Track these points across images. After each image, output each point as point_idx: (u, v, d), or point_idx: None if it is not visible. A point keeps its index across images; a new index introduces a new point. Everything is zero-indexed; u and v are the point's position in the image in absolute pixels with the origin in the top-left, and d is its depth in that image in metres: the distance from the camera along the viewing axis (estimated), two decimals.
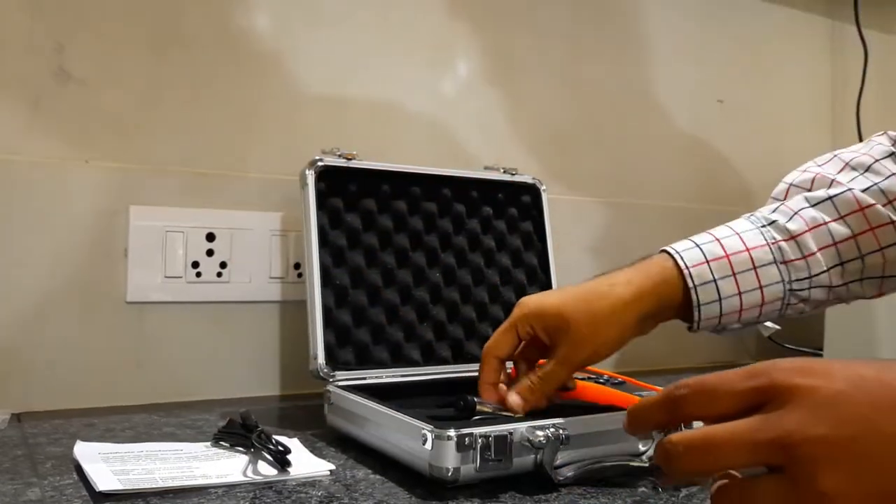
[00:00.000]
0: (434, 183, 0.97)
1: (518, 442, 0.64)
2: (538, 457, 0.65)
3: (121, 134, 0.92)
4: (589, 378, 0.83)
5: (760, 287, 0.69)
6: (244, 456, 0.70)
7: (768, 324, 1.36)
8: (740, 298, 0.69)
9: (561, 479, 0.65)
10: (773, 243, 0.70)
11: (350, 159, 0.91)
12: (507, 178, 1.03)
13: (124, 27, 0.92)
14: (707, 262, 0.69)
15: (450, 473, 0.62)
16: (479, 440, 0.62)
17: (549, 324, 0.69)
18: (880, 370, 0.39)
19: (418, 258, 0.95)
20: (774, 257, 0.70)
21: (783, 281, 0.70)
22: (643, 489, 0.66)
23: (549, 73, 1.22)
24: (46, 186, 0.88)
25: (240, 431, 0.72)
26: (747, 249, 0.70)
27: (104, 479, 0.61)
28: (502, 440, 0.63)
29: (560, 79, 1.23)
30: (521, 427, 0.65)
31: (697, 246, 0.70)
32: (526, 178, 1.04)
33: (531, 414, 0.71)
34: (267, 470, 0.66)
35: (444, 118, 1.13)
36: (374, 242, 0.92)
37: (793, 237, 0.70)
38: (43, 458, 0.69)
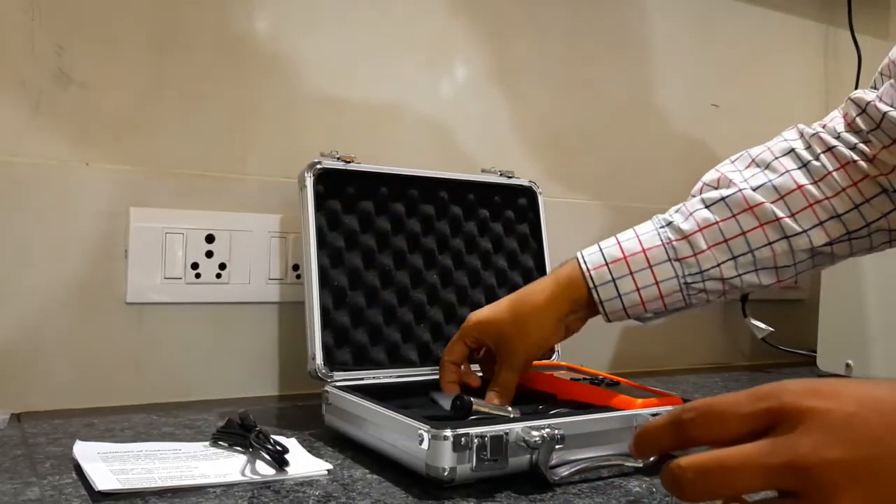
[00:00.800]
0: (431, 185, 0.98)
1: (514, 442, 0.65)
2: (534, 457, 0.65)
3: (121, 136, 0.93)
4: (584, 379, 0.84)
5: (657, 282, 0.78)
6: (242, 456, 0.70)
7: (762, 325, 1.38)
8: (639, 294, 0.78)
9: (556, 478, 0.66)
10: (667, 243, 0.78)
11: (348, 162, 0.92)
12: (503, 180, 1.04)
13: (124, 30, 0.92)
14: (606, 264, 0.78)
15: (446, 473, 0.62)
16: (476, 440, 0.63)
17: (487, 333, 0.82)
18: (893, 391, 0.38)
19: (416, 260, 0.96)
20: (668, 255, 0.78)
21: (677, 276, 0.78)
22: (637, 489, 0.67)
23: (547, 75, 1.23)
24: (47, 188, 0.88)
25: (238, 431, 0.72)
26: (643, 250, 0.78)
27: (103, 478, 0.62)
28: (498, 440, 0.64)
29: (557, 82, 1.24)
30: (516, 427, 0.65)
31: (601, 250, 0.80)
32: (522, 181, 1.05)
33: (527, 415, 0.72)
34: (265, 469, 0.67)
35: (442, 121, 1.13)
36: (371, 244, 0.93)
37: (685, 237, 0.78)
38: (42, 457, 0.70)
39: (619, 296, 0.78)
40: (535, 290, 0.82)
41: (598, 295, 0.78)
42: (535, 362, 0.95)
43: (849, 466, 0.37)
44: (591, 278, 0.78)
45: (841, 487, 0.36)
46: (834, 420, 0.38)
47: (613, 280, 0.78)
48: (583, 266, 0.79)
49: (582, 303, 0.80)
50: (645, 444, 0.44)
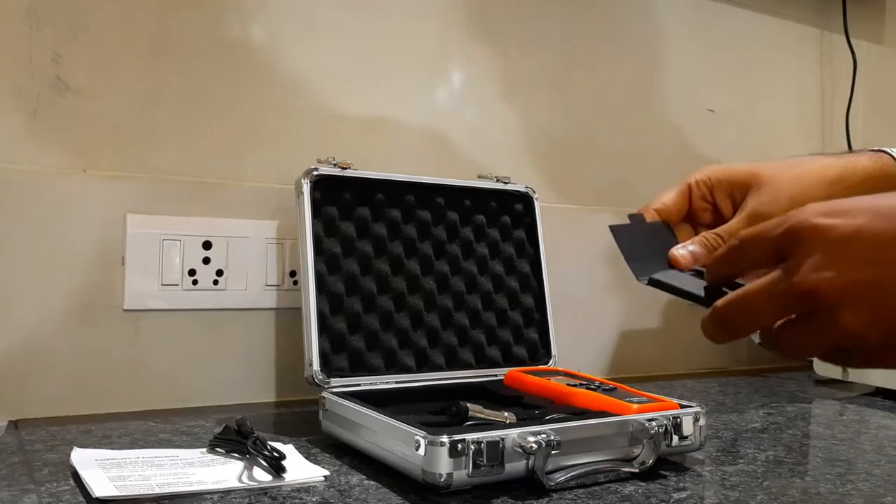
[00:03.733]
0: (428, 191, 0.98)
1: (510, 448, 0.65)
2: (530, 462, 0.66)
3: (118, 143, 0.93)
4: (581, 384, 0.84)
5: None
6: (239, 462, 0.70)
7: None
8: None
9: (552, 484, 0.66)
10: None
11: (345, 168, 0.92)
12: (500, 186, 1.04)
13: (122, 38, 0.93)
14: None
15: (442, 479, 0.63)
16: (472, 446, 0.63)
17: (737, 181, 0.61)
18: None
19: (412, 265, 0.96)
20: None
21: None
22: (634, 494, 0.67)
23: (543, 81, 1.23)
24: (44, 195, 0.88)
25: (235, 438, 0.72)
26: None
27: (101, 485, 0.62)
28: (494, 446, 0.64)
29: (553, 88, 1.25)
30: (512, 433, 0.66)
31: None
32: (519, 187, 1.06)
33: (523, 420, 0.72)
34: (262, 476, 0.67)
35: (438, 127, 1.14)
36: (368, 250, 0.93)
37: None
38: (40, 464, 0.70)
39: None
40: (816, 159, 0.64)
41: None
42: (531, 367, 0.96)
43: (848, 285, 0.37)
44: None
45: (844, 305, 0.37)
46: (836, 236, 0.38)
47: None
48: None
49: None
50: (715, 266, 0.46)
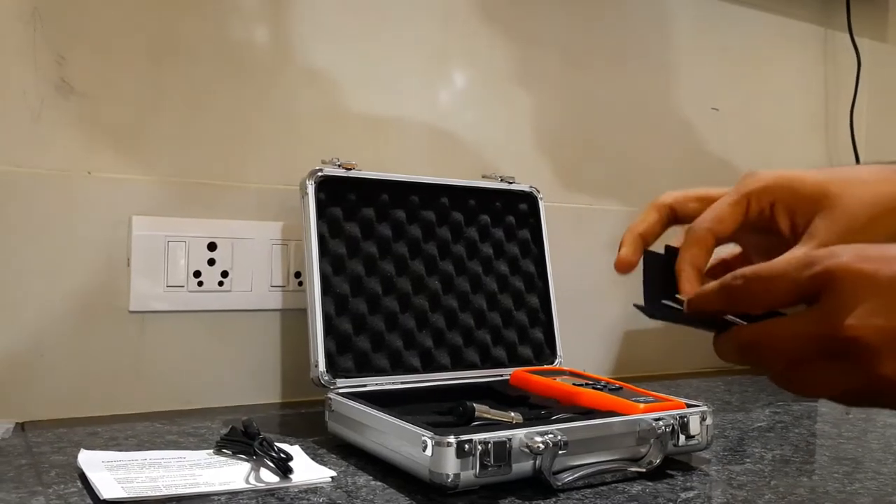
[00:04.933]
0: (432, 192, 0.98)
1: (517, 448, 0.65)
2: (537, 463, 0.65)
3: (123, 145, 0.93)
4: (587, 384, 0.84)
5: None
6: (246, 463, 0.70)
7: None
8: None
9: (559, 484, 0.66)
10: None
11: (349, 169, 0.92)
12: (504, 186, 1.04)
13: (126, 40, 0.93)
14: None
15: (449, 479, 0.63)
16: (479, 446, 0.63)
17: (804, 197, 0.51)
18: None
19: (417, 266, 0.96)
20: None
21: None
22: (641, 494, 0.67)
23: (547, 81, 1.23)
24: (49, 198, 0.89)
25: (242, 439, 0.72)
26: None
27: (108, 487, 0.62)
28: (501, 446, 0.64)
29: (557, 87, 1.24)
30: (519, 433, 0.65)
31: None
32: (523, 187, 1.05)
33: (530, 420, 0.72)
34: (269, 477, 0.67)
35: (442, 128, 1.14)
36: (373, 251, 0.93)
37: None
38: (47, 466, 0.70)
39: None
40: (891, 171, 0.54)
41: None
42: (536, 367, 0.96)
43: (891, 332, 0.37)
44: None
45: (885, 352, 0.37)
46: (878, 284, 0.37)
47: None
48: None
49: None
50: (697, 305, 0.44)
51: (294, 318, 1.00)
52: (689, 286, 0.50)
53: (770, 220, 0.53)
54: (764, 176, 0.53)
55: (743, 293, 0.42)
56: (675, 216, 0.56)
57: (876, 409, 1.06)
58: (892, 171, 0.52)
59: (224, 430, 0.76)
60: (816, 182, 0.51)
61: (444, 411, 0.76)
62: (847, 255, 0.39)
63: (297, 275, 1.01)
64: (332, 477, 0.68)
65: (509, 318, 1.01)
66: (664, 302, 0.50)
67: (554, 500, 0.65)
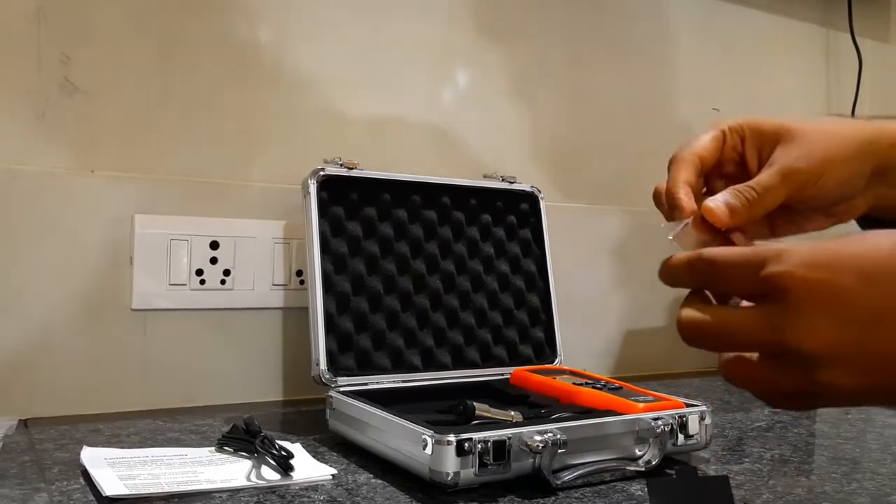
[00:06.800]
0: (434, 191, 0.99)
1: (517, 447, 0.65)
2: (536, 461, 0.66)
3: (126, 144, 0.93)
4: (586, 383, 0.84)
5: None
6: (248, 461, 0.71)
7: None
8: None
9: (559, 483, 0.66)
10: None
11: (351, 168, 0.93)
12: (505, 186, 1.05)
13: (130, 39, 0.93)
14: None
15: (449, 478, 0.63)
16: (479, 445, 0.64)
17: (768, 133, 0.55)
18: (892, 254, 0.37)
19: (418, 265, 0.96)
20: None
21: None
22: (640, 493, 0.67)
23: (548, 81, 1.24)
24: (53, 196, 0.89)
25: (243, 436, 0.73)
26: None
27: (111, 484, 0.63)
28: (501, 445, 0.64)
29: (558, 87, 1.25)
30: (519, 432, 0.66)
31: None
32: (524, 187, 1.06)
33: (529, 419, 0.72)
34: (270, 475, 0.67)
35: (444, 127, 1.14)
36: (374, 250, 0.94)
37: None
38: (50, 463, 0.71)
39: None
40: (851, 120, 0.58)
41: None
42: (537, 366, 0.96)
43: (833, 345, 0.38)
44: None
45: (824, 363, 0.38)
46: (827, 294, 0.38)
47: None
48: None
49: None
50: (667, 276, 0.46)
51: (296, 317, 1.00)
52: (688, 200, 0.53)
53: (742, 155, 0.56)
54: (734, 117, 0.57)
55: (703, 276, 0.44)
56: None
57: (876, 409, 1.06)
58: (853, 123, 0.55)
59: (226, 428, 0.77)
60: (779, 122, 0.55)
61: (445, 410, 0.77)
62: (795, 261, 0.39)
63: (299, 273, 1.01)
64: (332, 475, 0.69)
65: (510, 317, 1.01)
66: None
67: (553, 498, 0.65)
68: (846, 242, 0.39)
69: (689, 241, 0.50)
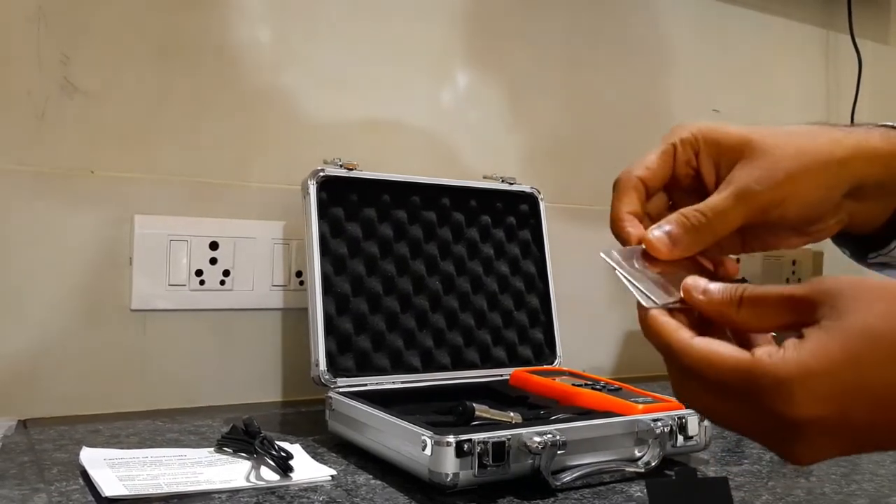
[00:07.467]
0: (433, 192, 0.99)
1: (516, 448, 0.65)
2: (536, 462, 0.66)
3: (126, 144, 0.93)
4: (586, 385, 0.84)
5: None
6: (247, 461, 0.71)
7: None
8: None
9: (558, 484, 0.66)
10: None
11: (351, 169, 0.93)
12: (505, 187, 1.05)
13: (129, 39, 0.93)
14: None
15: (449, 479, 0.63)
16: (478, 446, 0.64)
17: (727, 146, 0.50)
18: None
19: (418, 266, 0.96)
20: None
21: None
22: (639, 494, 0.67)
23: (548, 82, 1.24)
24: (52, 196, 0.89)
25: (243, 437, 0.73)
26: None
27: (110, 484, 0.63)
28: (500, 446, 0.64)
29: (558, 88, 1.25)
30: (518, 433, 0.66)
31: None
32: (524, 188, 1.06)
33: (529, 420, 0.72)
34: (269, 475, 0.67)
35: (444, 129, 1.14)
36: (374, 251, 0.94)
37: None
38: (49, 463, 0.71)
39: None
40: (826, 131, 0.51)
41: None
42: (536, 367, 0.96)
43: (829, 450, 0.38)
44: None
45: (804, 439, 0.37)
46: (837, 428, 0.37)
47: None
48: None
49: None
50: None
51: (295, 318, 1.00)
52: (633, 229, 0.52)
53: (697, 171, 0.52)
54: (689, 126, 0.53)
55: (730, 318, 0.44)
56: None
57: None
58: (821, 127, 0.51)
59: (225, 429, 0.77)
60: (740, 133, 0.50)
61: (444, 411, 0.77)
62: (805, 400, 0.37)
63: (299, 274, 1.01)
64: (332, 475, 0.69)
65: (509, 318, 1.01)
66: None
67: (552, 499, 0.65)
68: (864, 369, 0.37)
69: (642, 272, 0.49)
